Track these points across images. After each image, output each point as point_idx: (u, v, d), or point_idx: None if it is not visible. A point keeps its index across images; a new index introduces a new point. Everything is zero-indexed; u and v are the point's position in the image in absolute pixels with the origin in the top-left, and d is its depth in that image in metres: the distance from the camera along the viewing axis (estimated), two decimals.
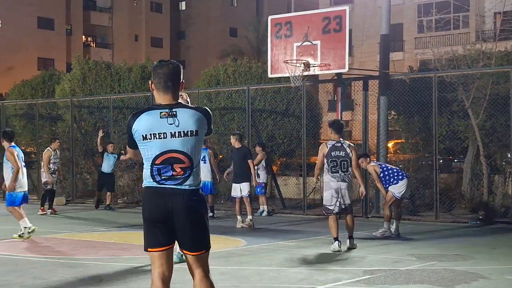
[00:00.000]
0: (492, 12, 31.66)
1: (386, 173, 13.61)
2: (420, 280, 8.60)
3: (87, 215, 18.04)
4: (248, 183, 14.88)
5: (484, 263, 10.04)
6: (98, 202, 19.92)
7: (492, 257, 10.77)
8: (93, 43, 64.30)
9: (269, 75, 18.18)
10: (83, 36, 63.06)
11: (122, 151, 22.54)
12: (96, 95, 23.55)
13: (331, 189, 11.47)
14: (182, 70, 5.18)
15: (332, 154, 11.47)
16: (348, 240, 11.48)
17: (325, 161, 11.52)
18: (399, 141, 21.32)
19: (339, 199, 11.45)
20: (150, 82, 5.13)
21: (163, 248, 5.04)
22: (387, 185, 13.52)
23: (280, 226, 15.43)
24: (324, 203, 11.65)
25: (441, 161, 18.78)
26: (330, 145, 11.57)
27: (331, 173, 11.46)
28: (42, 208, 18.55)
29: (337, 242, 11.23)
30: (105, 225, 15.54)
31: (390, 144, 19.86)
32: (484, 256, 10.76)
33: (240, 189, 14.78)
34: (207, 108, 5.17)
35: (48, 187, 18.69)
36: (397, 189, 13.40)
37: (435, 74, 16.76)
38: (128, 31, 64.71)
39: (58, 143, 19.09)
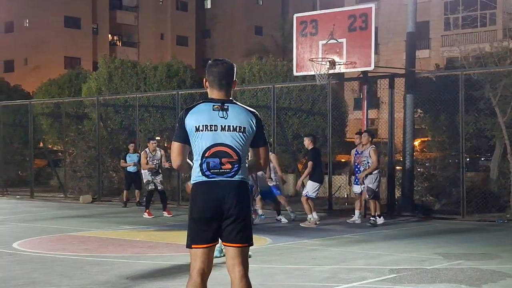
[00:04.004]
0: None
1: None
2: (447, 279, 8.54)
3: (113, 213, 18.14)
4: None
5: (511, 262, 9.95)
6: (127, 201, 20.02)
7: None
8: (119, 42, 64.67)
9: (295, 73, 18.15)
10: (109, 35, 63.46)
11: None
12: (122, 94, 23.68)
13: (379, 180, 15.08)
14: (235, 69, 5.30)
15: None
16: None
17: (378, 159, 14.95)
18: (426, 139, 21.19)
19: None
20: (204, 80, 5.27)
21: (208, 245, 5.11)
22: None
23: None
24: (373, 188, 14.72)
25: (467, 159, 18.63)
26: None
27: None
28: (147, 211, 16.67)
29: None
30: (131, 223, 15.62)
31: (416, 143, 19.73)
32: None
33: None
34: (258, 114, 5.28)
35: (149, 187, 17.05)
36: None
37: (461, 72, 16.62)
38: (154, 30, 64.99)
39: (154, 144, 17.02)
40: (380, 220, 14.98)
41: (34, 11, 57.66)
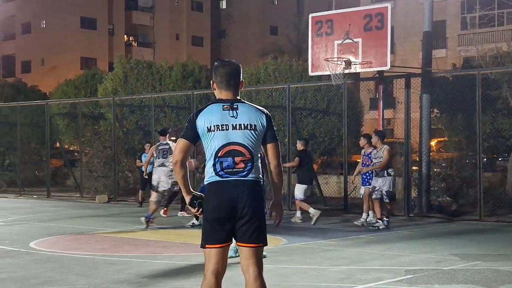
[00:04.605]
0: None
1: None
2: (464, 280, 8.47)
3: (129, 213, 18.18)
4: None
5: None
6: (142, 201, 20.04)
7: None
8: (134, 43, 64.88)
9: (310, 73, 18.12)
10: (125, 36, 63.69)
11: None
12: (138, 94, 23.75)
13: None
14: (241, 69, 5.34)
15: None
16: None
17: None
18: (442, 139, 21.08)
19: None
20: (211, 82, 5.31)
21: (222, 245, 5.11)
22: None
23: (321, 224, 15.34)
24: (392, 191, 14.27)
25: (485, 159, 18.51)
26: None
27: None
28: (165, 209, 16.53)
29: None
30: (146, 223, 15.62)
31: (433, 143, 19.63)
32: None
33: None
34: (267, 112, 5.31)
35: (176, 188, 16.38)
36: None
37: (478, 71, 16.50)
38: (169, 30, 65.15)
39: None
40: (380, 224, 14.50)
41: (50, 12, 57.97)
